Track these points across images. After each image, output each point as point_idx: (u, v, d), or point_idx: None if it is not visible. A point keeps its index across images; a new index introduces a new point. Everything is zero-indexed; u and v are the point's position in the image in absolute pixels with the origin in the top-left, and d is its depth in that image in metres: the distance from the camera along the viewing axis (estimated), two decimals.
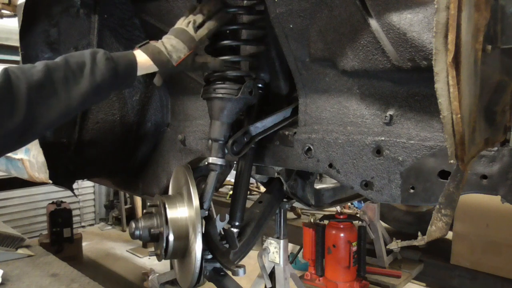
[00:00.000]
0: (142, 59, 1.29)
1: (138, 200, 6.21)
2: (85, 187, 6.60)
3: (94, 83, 1.18)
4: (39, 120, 1.10)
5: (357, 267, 3.30)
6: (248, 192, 1.82)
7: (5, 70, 1.06)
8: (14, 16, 4.46)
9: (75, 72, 1.16)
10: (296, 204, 3.62)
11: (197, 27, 1.35)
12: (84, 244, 5.51)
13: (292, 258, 4.31)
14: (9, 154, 2.16)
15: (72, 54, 1.22)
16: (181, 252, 1.49)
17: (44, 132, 1.22)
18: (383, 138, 1.27)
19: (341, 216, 3.34)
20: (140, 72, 1.29)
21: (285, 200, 2.01)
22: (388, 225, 4.37)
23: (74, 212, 5.93)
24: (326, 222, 3.43)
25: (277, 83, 1.61)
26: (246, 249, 1.62)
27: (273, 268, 2.43)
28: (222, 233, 1.58)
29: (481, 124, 0.96)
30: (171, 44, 1.32)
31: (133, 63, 1.27)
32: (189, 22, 1.36)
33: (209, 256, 1.53)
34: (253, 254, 1.90)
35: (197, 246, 1.39)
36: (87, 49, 1.25)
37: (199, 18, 1.36)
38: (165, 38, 1.35)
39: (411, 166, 1.21)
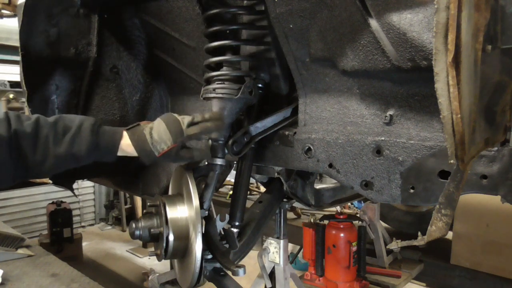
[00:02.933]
0: (126, 143, 1.30)
1: (138, 200, 6.21)
2: (85, 187, 6.59)
3: (69, 151, 1.22)
4: (19, 164, 1.18)
5: (357, 267, 3.30)
6: (248, 192, 1.82)
7: (6, 116, 1.15)
8: (14, 16, 4.47)
9: (58, 135, 1.21)
10: (296, 204, 3.62)
11: (191, 124, 1.35)
12: (84, 244, 5.51)
13: (292, 258, 4.30)
14: None
15: (66, 116, 1.27)
16: (181, 252, 1.49)
17: (22, 178, 1.30)
18: (383, 138, 1.27)
19: (341, 216, 3.33)
20: (120, 153, 1.31)
21: (285, 200, 2.01)
22: (388, 225, 4.37)
23: (74, 212, 5.92)
24: (326, 222, 3.42)
25: (277, 83, 1.61)
26: (246, 249, 1.62)
27: (273, 268, 2.42)
28: (222, 233, 1.58)
29: (481, 124, 0.96)
30: (158, 133, 1.31)
31: (115, 144, 1.29)
32: (185, 116, 1.37)
33: (209, 256, 1.53)
34: (253, 254, 1.90)
35: (197, 246, 1.39)
36: (82, 116, 1.29)
37: (197, 117, 1.37)
38: (156, 123, 1.34)
39: (411, 166, 1.21)
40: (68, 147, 1.21)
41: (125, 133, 1.31)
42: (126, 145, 1.30)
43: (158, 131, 1.31)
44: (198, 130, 1.35)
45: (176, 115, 1.38)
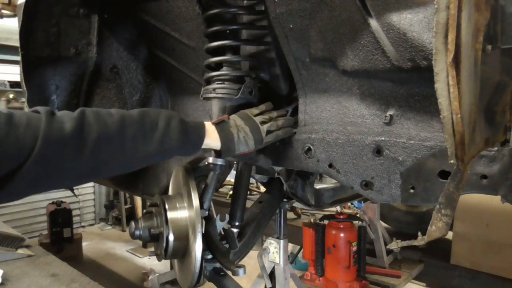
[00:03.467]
0: (212, 138, 1.29)
1: (138, 200, 6.21)
2: (85, 187, 6.60)
3: (160, 149, 1.17)
4: (100, 168, 1.09)
5: (357, 267, 3.30)
6: (248, 192, 1.82)
7: (82, 113, 1.05)
8: (14, 16, 4.47)
9: (147, 133, 1.15)
10: (296, 204, 3.62)
11: (268, 132, 1.38)
12: (84, 244, 5.51)
13: (292, 258, 4.31)
14: None
15: (149, 111, 1.21)
16: (181, 252, 1.49)
17: (104, 178, 1.24)
18: (383, 138, 1.27)
19: (341, 216, 3.34)
20: (203, 147, 1.29)
21: (285, 200, 2.01)
22: (388, 225, 4.37)
23: (74, 212, 5.93)
24: (326, 222, 3.43)
25: (277, 83, 1.60)
26: (246, 249, 1.62)
27: (273, 268, 2.43)
28: (222, 233, 1.58)
29: (481, 124, 0.96)
30: (244, 137, 1.33)
31: (201, 139, 1.27)
32: (263, 122, 1.39)
33: (209, 256, 1.53)
34: (253, 254, 1.90)
35: (197, 246, 1.39)
36: (165, 110, 1.24)
37: (273, 126, 1.40)
38: (240, 124, 1.35)
39: (411, 166, 1.21)
40: (159, 146, 1.17)
41: (209, 127, 1.30)
42: (211, 141, 1.29)
43: (244, 134, 1.33)
44: (273, 139, 1.41)
45: (254, 118, 1.39)
